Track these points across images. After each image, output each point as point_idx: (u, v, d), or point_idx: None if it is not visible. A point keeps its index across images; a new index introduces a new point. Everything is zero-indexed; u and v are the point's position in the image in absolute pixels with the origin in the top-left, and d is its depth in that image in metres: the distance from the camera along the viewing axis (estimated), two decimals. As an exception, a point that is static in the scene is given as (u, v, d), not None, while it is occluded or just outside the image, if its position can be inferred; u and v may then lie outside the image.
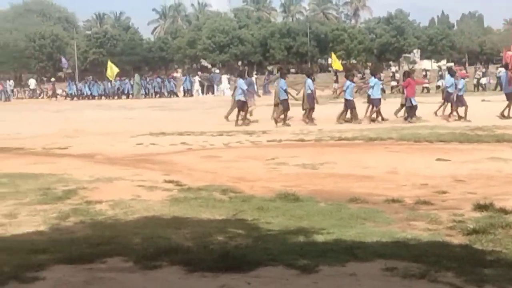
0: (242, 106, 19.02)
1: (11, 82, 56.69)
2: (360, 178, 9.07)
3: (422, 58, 79.32)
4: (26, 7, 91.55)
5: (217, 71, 53.67)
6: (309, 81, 19.37)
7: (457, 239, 5.55)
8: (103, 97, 46.21)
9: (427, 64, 78.09)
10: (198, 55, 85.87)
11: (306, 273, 4.55)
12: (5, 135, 17.57)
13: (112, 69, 49.59)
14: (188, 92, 45.00)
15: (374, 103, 18.95)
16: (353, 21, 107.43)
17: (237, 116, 18.98)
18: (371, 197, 7.51)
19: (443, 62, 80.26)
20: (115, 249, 5.29)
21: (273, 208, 6.97)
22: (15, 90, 57.57)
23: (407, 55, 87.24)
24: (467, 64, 74.29)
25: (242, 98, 18.99)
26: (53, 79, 55.13)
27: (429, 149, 12.32)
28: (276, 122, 18.46)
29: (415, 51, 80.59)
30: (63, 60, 53.50)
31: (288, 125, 18.23)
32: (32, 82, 57.28)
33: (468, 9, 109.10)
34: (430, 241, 5.46)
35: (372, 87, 19.10)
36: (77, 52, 79.29)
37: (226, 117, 19.72)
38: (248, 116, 19.52)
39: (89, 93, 46.85)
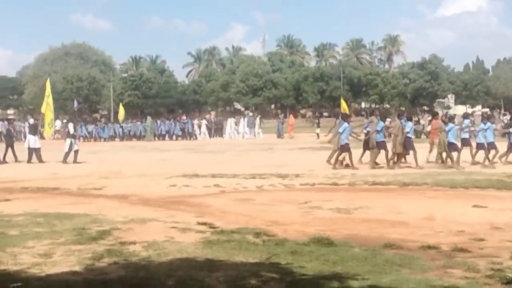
0: (346, 149, 18.72)
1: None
2: (395, 224, 8.96)
3: (456, 103, 78.87)
4: (65, 50, 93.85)
5: (251, 114, 54.09)
6: (408, 123, 19.14)
7: (496, 288, 5.42)
8: (116, 139, 46.31)
9: (461, 109, 77.37)
10: (232, 98, 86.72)
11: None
12: (42, 175, 17.84)
13: (120, 113, 50.97)
14: (190, 135, 45.46)
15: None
16: (386, 66, 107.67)
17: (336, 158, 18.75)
18: (406, 243, 7.39)
19: (478, 107, 79.58)
20: (148, 291, 5.29)
21: (307, 253, 6.91)
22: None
23: (441, 100, 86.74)
24: (502, 109, 73.39)
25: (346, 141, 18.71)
26: (64, 120, 55.82)
27: (466, 195, 12.13)
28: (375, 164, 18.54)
29: (449, 96, 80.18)
30: (75, 102, 54.61)
31: (355, 168, 18.18)
32: (57, 124, 57.47)
33: (504, 54, 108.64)
34: (468, 289, 5.34)
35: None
36: (113, 94, 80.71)
37: (329, 161, 19.18)
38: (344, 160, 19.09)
39: (98, 135, 47.03)
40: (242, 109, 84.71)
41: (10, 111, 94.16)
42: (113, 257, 6.85)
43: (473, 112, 56.49)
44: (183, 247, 7.31)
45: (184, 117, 49.42)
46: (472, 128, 20.21)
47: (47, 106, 23.58)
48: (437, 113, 21.88)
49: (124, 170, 18.95)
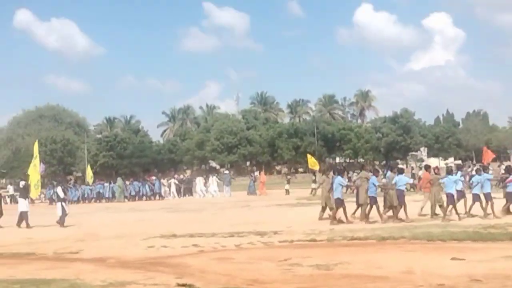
0: (340, 203, 18.66)
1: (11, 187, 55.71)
2: (375, 279, 8.97)
3: (429, 155, 79.82)
4: (39, 113, 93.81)
5: (226, 171, 54.15)
6: (399, 177, 19.06)
7: None
8: (82, 201, 45.60)
9: (434, 162, 78.37)
10: (207, 156, 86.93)
11: None
12: (17, 240, 17.57)
13: (88, 174, 50.85)
14: (158, 195, 45.27)
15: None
16: (359, 121, 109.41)
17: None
18: (388, 299, 7.40)
19: (451, 159, 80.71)
20: None
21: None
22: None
23: (414, 153, 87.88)
24: (474, 161, 74.51)
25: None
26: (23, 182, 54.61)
27: (443, 248, 12.21)
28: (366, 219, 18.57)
29: (422, 149, 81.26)
30: (41, 165, 53.94)
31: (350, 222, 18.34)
32: (10, 188, 55.89)
33: (473, 107, 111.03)
34: None
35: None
36: (87, 156, 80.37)
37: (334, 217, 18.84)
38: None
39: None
40: (218, 167, 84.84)
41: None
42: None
43: (446, 164, 57.08)
44: (163, 310, 7.23)
45: (154, 177, 49.08)
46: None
47: (34, 168, 23.40)
48: (429, 166, 22.00)
49: (101, 232, 18.74)
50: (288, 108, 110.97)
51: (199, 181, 46.64)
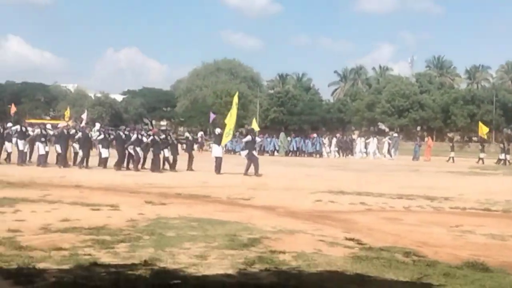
0: None
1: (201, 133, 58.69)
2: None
3: None
4: (217, 66, 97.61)
5: (395, 134, 53.12)
6: None
7: None
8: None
9: None
10: (377, 118, 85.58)
11: None
12: (194, 183, 18.69)
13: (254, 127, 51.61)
14: (317, 153, 45.15)
15: None
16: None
17: None
18: None
19: None
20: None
21: (460, 276, 6.68)
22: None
23: None
24: None
25: None
26: (201, 132, 56.62)
27: None
28: None
29: None
30: (211, 114, 55.37)
31: None
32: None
33: None
34: None
35: None
36: (259, 110, 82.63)
37: None
38: None
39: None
40: (387, 129, 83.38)
41: (163, 122, 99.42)
42: (264, 264, 7.02)
43: None
44: (332, 260, 7.34)
45: (314, 135, 49.40)
46: None
47: (230, 118, 24.39)
48: None
49: (270, 183, 19.37)
50: (466, 73, 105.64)
51: (360, 141, 46.37)
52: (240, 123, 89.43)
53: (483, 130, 43.90)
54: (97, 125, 29.85)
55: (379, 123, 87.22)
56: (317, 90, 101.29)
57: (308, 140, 46.60)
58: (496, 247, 8.82)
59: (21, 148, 24.93)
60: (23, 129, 25.71)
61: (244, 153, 23.39)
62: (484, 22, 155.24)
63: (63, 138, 24.51)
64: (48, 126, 27.32)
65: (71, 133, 24.94)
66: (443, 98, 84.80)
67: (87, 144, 24.45)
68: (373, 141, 45.57)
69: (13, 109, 49.18)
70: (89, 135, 25.29)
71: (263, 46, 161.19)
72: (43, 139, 24.56)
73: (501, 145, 41.03)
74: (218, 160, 23.39)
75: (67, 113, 44.34)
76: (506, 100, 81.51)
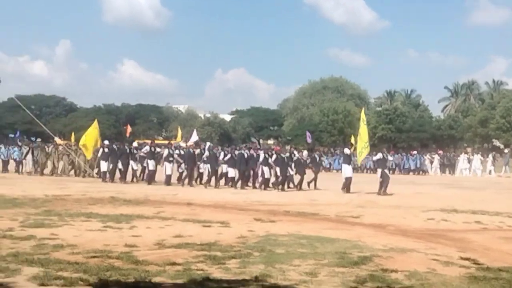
0: None
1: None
2: None
3: None
4: (323, 84, 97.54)
5: (506, 150, 50.68)
6: None
7: None
8: None
9: None
10: (491, 135, 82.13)
11: None
12: (303, 200, 18.73)
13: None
14: (419, 170, 44.37)
15: None
16: None
17: None
18: None
19: None
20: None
21: None
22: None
23: None
24: None
25: None
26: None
27: None
28: None
29: None
30: (308, 134, 54.90)
31: None
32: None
33: None
34: None
35: None
36: (367, 127, 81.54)
37: None
38: None
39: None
40: (502, 146, 79.87)
41: (270, 141, 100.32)
42: (376, 282, 6.91)
43: None
44: (447, 280, 7.11)
45: (415, 152, 48.16)
46: None
47: (360, 135, 24.08)
48: None
49: (380, 201, 19.06)
50: None
51: (463, 158, 44.75)
52: (347, 140, 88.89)
53: None
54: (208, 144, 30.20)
55: (493, 140, 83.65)
56: (426, 107, 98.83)
57: (408, 156, 45.73)
58: None
59: (151, 168, 25.91)
60: (152, 149, 26.66)
61: (379, 171, 22.91)
62: None
63: (191, 158, 25.22)
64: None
65: (196, 153, 25.59)
66: None
67: (213, 163, 25.16)
68: (476, 158, 43.81)
69: (128, 129, 51.23)
70: (216, 155, 25.86)
71: (371, 63, 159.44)
72: (171, 159, 25.52)
73: None
74: (348, 180, 22.98)
75: (179, 133, 45.73)
76: None
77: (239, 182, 24.53)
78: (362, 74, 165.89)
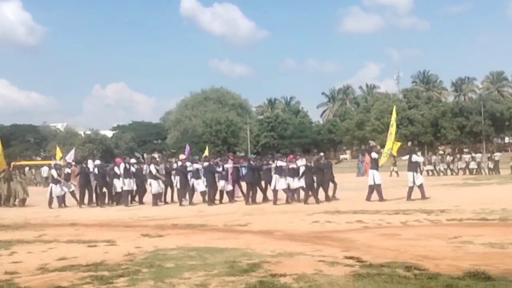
0: None
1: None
2: (556, 259, 8.41)
3: None
4: (204, 95, 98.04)
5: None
6: None
7: None
8: None
9: None
10: (367, 137, 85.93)
11: None
12: (191, 213, 18.64)
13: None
14: None
15: None
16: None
17: None
18: None
19: None
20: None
21: (463, 286, 6.69)
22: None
23: None
24: None
25: None
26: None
27: None
28: None
29: None
30: (186, 147, 54.96)
31: None
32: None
33: None
34: None
35: None
36: (249, 136, 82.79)
37: None
38: None
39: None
40: (378, 147, 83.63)
41: (155, 155, 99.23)
42: (266, 288, 6.98)
43: None
44: (333, 280, 7.30)
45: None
46: None
47: (389, 136, 22.24)
48: None
49: (266, 208, 19.34)
50: (452, 86, 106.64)
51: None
52: (232, 150, 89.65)
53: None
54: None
55: (370, 141, 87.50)
56: (306, 113, 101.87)
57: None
58: (496, 256, 8.81)
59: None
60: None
61: (409, 174, 20.84)
62: (466, 34, 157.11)
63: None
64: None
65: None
66: (431, 112, 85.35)
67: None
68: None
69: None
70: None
71: (251, 73, 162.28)
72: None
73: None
74: (378, 188, 20.65)
75: (58, 152, 44.08)
76: (494, 110, 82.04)
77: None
78: (243, 84, 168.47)
